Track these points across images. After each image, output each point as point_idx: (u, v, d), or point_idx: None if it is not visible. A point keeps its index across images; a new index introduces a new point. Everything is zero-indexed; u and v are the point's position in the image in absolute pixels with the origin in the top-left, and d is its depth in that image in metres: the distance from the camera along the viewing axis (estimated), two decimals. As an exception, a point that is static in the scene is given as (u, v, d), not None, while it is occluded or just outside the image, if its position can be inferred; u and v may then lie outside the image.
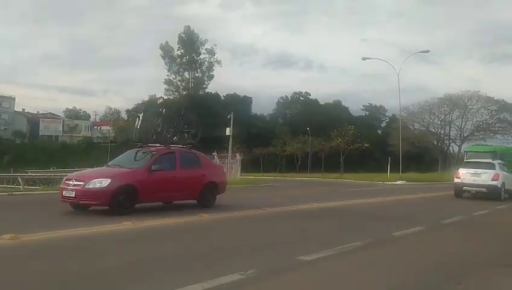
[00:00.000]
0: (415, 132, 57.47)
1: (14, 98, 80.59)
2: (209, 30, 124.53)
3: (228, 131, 33.54)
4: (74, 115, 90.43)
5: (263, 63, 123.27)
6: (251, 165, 56.60)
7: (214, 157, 29.68)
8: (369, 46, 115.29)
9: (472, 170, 18.14)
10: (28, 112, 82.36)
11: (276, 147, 59.16)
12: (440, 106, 55.66)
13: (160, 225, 8.76)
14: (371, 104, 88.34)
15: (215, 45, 77.92)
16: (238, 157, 30.20)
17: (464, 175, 18.27)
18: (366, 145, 51.78)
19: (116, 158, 11.97)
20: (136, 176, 10.08)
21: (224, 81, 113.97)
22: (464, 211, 13.00)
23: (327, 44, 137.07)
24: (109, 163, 11.79)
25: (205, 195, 11.57)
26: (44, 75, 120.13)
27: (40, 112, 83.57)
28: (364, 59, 35.74)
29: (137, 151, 11.39)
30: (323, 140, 55.76)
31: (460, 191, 18.34)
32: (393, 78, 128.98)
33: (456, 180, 18.67)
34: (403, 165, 53.13)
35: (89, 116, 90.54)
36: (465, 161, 26.35)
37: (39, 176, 34.75)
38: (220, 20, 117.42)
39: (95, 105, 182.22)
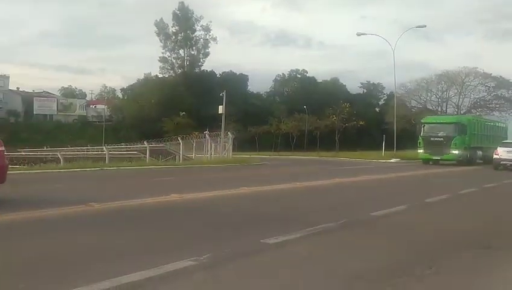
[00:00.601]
0: (412, 110, 56.94)
1: (8, 77, 79.47)
2: (208, 7, 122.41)
3: (221, 109, 33.03)
4: (70, 93, 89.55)
5: (262, 41, 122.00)
6: (248, 143, 56.38)
7: (205, 135, 29.37)
8: (369, 23, 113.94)
9: (507, 148, 24.08)
10: (22, 90, 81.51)
11: (271, 126, 58.70)
12: (437, 82, 54.98)
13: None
14: (369, 81, 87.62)
15: (211, 22, 76.74)
16: (230, 136, 29.78)
17: (502, 152, 24.28)
18: (361, 123, 51.37)
19: None
20: None
21: (222, 59, 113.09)
22: (452, 190, 12.69)
23: (327, 21, 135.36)
24: None
25: None
26: (41, 54, 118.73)
27: (35, 91, 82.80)
28: (359, 35, 35.07)
29: None
30: (319, 118, 55.30)
31: (498, 165, 24.19)
32: (392, 55, 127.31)
33: (494, 156, 24.73)
34: (400, 143, 52.93)
35: (85, 95, 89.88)
36: (422, 134, 28.29)
37: (30, 155, 34.45)
38: None
39: (92, 84, 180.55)
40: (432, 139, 27.77)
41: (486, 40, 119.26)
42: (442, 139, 27.38)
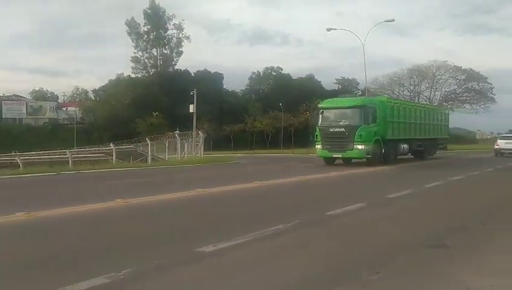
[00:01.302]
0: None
1: (-25, 81, 77.24)
2: (184, 6, 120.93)
3: (191, 108, 32.56)
4: (41, 96, 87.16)
5: (239, 39, 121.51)
6: (223, 142, 55.85)
7: (174, 135, 28.83)
8: (345, 19, 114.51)
9: (506, 140, 30.84)
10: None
11: (246, 124, 58.30)
12: (409, 77, 55.59)
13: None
14: (343, 77, 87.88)
15: (183, 20, 75.65)
16: (201, 135, 29.29)
17: (501, 143, 30.89)
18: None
19: None
20: None
21: (198, 58, 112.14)
22: (417, 184, 12.52)
23: (303, 18, 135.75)
24: None
25: None
26: (14, 56, 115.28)
27: (5, 94, 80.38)
28: (329, 30, 34.96)
29: None
30: (293, 115, 55.14)
31: (498, 153, 30.24)
32: (368, 50, 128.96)
33: (495, 146, 31.32)
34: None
35: (57, 98, 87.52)
36: (320, 123, 20.94)
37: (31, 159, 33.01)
38: None
39: (67, 86, 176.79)
40: (331, 130, 20.83)
41: (459, 34, 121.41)
42: (343, 130, 20.39)
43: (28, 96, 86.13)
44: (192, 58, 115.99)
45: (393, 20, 34.49)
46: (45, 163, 20.68)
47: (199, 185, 11.59)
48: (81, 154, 25.32)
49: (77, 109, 71.32)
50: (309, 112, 50.48)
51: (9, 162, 20.38)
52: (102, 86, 75.89)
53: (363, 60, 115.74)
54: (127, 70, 77.60)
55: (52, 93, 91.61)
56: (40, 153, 24.67)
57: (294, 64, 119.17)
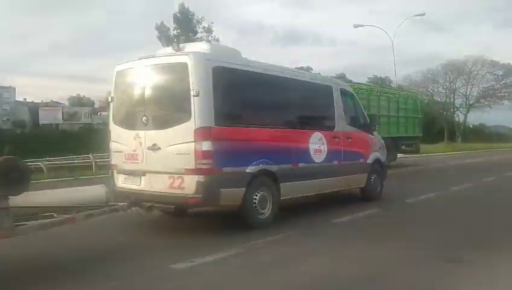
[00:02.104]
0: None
1: (15, 88, 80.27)
2: (215, 9, 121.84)
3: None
4: (77, 102, 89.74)
5: (271, 41, 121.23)
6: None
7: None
8: (377, 17, 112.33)
9: None
10: (29, 101, 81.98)
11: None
12: (444, 73, 53.45)
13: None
14: (376, 76, 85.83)
15: (212, 23, 76.02)
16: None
17: None
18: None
19: None
20: None
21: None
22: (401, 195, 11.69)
23: (336, 18, 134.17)
24: None
25: None
26: (53, 64, 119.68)
27: (43, 101, 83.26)
28: (356, 27, 34.03)
29: None
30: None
31: None
32: (402, 48, 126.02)
33: None
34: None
35: (93, 103, 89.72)
36: None
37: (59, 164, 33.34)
38: None
39: (101, 92, 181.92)
40: None
41: (497, 28, 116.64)
42: None
43: (66, 103, 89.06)
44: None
45: (424, 14, 33.27)
46: (67, 167, 20.95)
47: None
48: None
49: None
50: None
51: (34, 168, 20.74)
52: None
53: (398, 58, 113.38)
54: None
55: (88, 99, 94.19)
56: (63, 158, 25.02)
57: (327, 64, 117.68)
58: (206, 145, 6.25)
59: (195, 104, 6.28)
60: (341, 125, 8.89)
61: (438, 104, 56.69)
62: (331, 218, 7.65)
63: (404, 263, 5.07)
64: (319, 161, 8.22)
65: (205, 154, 6.23)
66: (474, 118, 64.55)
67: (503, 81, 53.17)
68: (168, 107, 6.90)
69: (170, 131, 6.54)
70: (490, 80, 53.18)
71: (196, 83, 6.30)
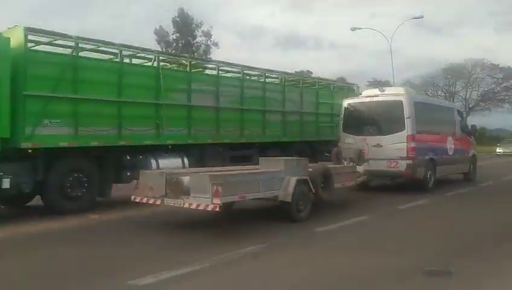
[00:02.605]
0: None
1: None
2: (216, 14, 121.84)
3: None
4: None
5: (272, 45, 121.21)
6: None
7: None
8: (378, 21, 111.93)
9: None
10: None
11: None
12: (444, 77, 53.11)
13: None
14: (375, 79, 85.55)
15: (211, 27, 75.96)
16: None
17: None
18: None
19: None
20: None
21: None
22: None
23: (336, 22, 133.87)
24: None
25: None
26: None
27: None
28: (353, 29, 33.75)
29: None
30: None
31: None
32: (404, 52, 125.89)
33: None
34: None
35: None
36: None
37: None
38: (226, 3, 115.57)
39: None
40: None
41: (499, 32, 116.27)
42: None
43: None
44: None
45: (422, 17, 33.04)
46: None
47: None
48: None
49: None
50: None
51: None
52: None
53: (398, 61, 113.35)
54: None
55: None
56: None
57: (328, 67, 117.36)
58: (412, 144, 11.95)
59: (407, 122, 12.01)
60: (458, 132, 14.80)
61: (438, 108, 56.40)
62: (315, 227, 7.33)
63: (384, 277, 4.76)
64: (451, 154, 13.94)
65: (412, 149, 11.96)
66: (475, 122, 64.12)
67: (503, 85, 52.83)
68: (389, 123, 12.49)
69: (390, 136, 12.22)
70: (490, 83, 52.90)
71: (407, 111, 12.07)
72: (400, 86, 47.42)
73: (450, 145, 13.83)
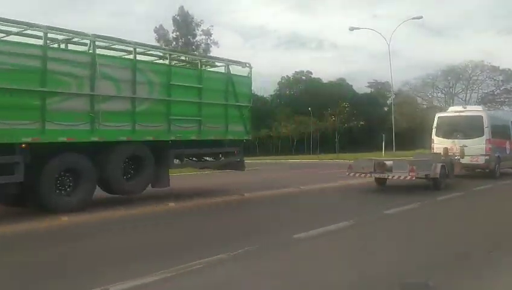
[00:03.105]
0: (416, 109, 54.84)
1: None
2: (219, 14, 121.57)
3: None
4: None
5: (274, 45, 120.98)
6: (247, 148, 54.83)
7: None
8: (381, 22, 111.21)
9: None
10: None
11: (270, 129, 57.04)
12: (444, 78, 52.74)
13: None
14: (376, 80, 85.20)
15: (212, 26, 75.77)
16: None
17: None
18: (361, 123, 49.42)
19: None
20: None
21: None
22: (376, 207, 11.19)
23: (339, 23, 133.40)
24: None
25: None
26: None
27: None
28: (351, 29, 33.48)
29: None
30: (319, 120, 53.43)
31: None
32: (405, 54, 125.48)
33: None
34: (406, 142, 50.99)
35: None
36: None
37: None
38: (230, 3, 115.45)
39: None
40: None
41: (503, 35, 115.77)
42: None
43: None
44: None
45: (421, 18, 32.82)
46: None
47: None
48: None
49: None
50: (335, 116, 49.06)
51: None
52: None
53: (399, 63, 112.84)
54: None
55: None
56: None
57: (328, 68, 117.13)
58: (489, 145, 16.58)
59: (485, 130, 16.75)
60: (509, 137, 18.88)
61: (437, 110, 56.06)
62: (291, 233, 7.00)
63: None
64: (508, 153, 18.33)
65: (489, 149, 16.56)
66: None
67: (503, 87, 52.49)
68: (472, 130, 16.92)
69: (473, 140, 16.68)
70: (490, 86, 52.56)
71: (486, 122, 16.81)
72: (400, 88, 47.43)
73: (508, 146, 18.45)
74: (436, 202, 10.93)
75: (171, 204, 9.94)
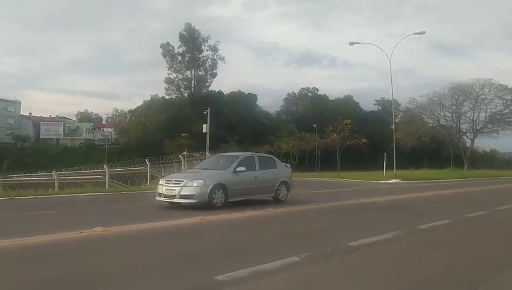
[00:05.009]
0: (422, 128, 53.52)
1: (20, 102, 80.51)
2: (234, 31, 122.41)
3: (205, 128, 31.22)
4: (86, 118, 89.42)
5: (286, 62, 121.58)
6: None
7: (179, 157, 27.40)
8: (395, 41, 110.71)
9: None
10: (35, 115, 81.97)
11: (272, 145, 56.21)
12: (451, 96, 51.48)
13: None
14: (383, 98, 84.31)
15: (218, 42, 75.85)
16: (208, 156, 27.68)
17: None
18: (363, 140, 48.38)
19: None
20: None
21: (243, 80, 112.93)
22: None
23: (352, 40, 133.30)
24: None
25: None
26: (68, 81, 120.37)
27: (51, 116, 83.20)
28: (351, 44, 32.65)
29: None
30: (320, 136, 52.50)
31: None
32: (420, 73, 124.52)
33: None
34: (410, 162, 49.65)
35: (101, 119, 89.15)
36: None
37: (17, 181, 33.15)
38: (243, 20, 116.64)
39: (109, 108, 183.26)
40: None
41: None
42: None
43: (74, 118, 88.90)
44: (239, 80, 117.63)
45: (424, 33, 31.69)
46: (31, 185, 19.76)
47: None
48: (78, 175, 24.33)
49: (112, 130, 72.25)
50: (336, 133, 48.09)
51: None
52: (138, 106, 76.85)
53: (413, 82, 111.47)
54: (162, 92, 78.27)
55: (97, 115, 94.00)
56: (23, 176, 23.91)
57: (339, 86, 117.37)
58: None
59: None
60: None
61: (444, 129, 54.76)
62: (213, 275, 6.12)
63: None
64: None
65: None
66: (485, 144, 62.43)
67: (511, 107, 51.10)
68: None
69: None
70: (498, 105, 51.13)
71: None
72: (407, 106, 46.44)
73: None
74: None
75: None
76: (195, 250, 6.34)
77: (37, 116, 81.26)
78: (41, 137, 70.58)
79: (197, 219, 9.18)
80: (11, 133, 74.02)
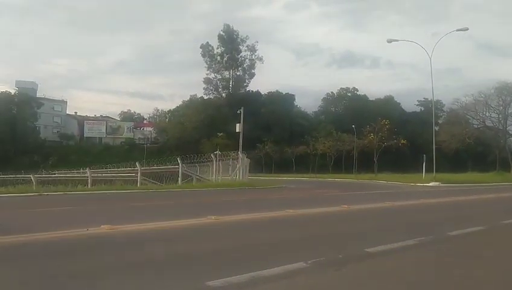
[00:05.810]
0: (466, 129, 51.21)
1: (66, 102, 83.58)
2: (275, 32, 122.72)
3: (238, 127, 31.12)
4: (128, 117, 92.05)
5: (327, 62, 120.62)
6: (284, 165, 53.50)
7: (211, 156, 27.42)
8: (441, 40, 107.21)
9: None
10: (81, 115, 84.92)
11: (308, 146, 55.46)
12: (498, 96, 49.01)
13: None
14: (426, 99, 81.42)
15: (257, 42, 76.06)
16: (241, 156, 27.59)
17: None
18: (402, 142, 46.83)
19: None
20: None
21: (283, 81, 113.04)
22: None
23: (395, 41, 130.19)
24: None
25: None
26: (114, 81, 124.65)
27: (96, 115, 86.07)
28: (389, 42, 31.77)
29: None
30: (358, 137, 51.26)
31: None
32: (466, 73, 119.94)
33: None
34: (453, 165, 47.72)
35: (143, 119, 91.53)
36: None
37: (54, 177, 34.36)
38: (284, 21, 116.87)
39: (151, 108, 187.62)
40: None
41: None
42: None
43: (117, 118, 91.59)
44: (278, 81, 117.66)
45: (467, 29, 30.35)
46: (68, 182, 20.26)
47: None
48: (112, 173, 24.78)
49: (152, 129, 73.72)
50: (373, 133, 46.71)
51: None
52: (177, 106, 78.07)
53: (462, 82, 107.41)
54: (201, 92, 79.17)
55: (139, 114, 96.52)
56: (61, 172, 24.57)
57: (380, 86, 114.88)
58: None
59: None
60: None
61: (490, 130, 52.22)
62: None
63: None
64: None
65: None
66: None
67: (561, 107, 48.08)
68: None
69: None
70: (550, 105, 48.25)
71: None
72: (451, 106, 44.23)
73: None
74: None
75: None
76: (198, 252, 6.12)
77: (82, 116, 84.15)
78: (85, 135, 72.96)
79: (210, 218, 8.97)
80: (57, 131, 77.06)
